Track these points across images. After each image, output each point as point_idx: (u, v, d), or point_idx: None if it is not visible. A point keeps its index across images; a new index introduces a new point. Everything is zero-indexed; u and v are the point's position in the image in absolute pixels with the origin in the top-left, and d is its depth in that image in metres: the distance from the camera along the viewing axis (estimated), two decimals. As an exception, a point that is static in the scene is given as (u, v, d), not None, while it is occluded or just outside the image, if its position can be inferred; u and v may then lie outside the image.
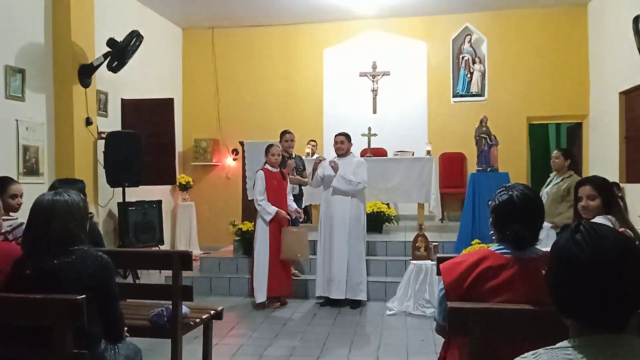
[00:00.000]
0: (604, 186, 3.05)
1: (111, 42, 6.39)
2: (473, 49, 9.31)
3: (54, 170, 6.21)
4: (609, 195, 3.04)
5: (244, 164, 7.20)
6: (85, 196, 2.79)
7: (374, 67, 9.50)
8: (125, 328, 2.52)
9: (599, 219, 2.86)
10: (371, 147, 8.18)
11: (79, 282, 2.23)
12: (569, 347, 1.20)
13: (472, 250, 2.12)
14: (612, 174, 7.75)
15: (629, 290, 1.18)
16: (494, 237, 2.06)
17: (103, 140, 6.88)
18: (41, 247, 2.29)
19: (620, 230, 2.76)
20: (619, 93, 7.77)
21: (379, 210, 7.44)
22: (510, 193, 2.00)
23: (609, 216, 2.93)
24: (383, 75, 9.49)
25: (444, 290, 1.99)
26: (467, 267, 1.95)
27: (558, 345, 1.22)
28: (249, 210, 6.57)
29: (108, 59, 6.45)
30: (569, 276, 1.23)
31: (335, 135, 6.14)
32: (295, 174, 6.47)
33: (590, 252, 1.21)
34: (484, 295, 1.89)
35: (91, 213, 3.27)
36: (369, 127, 8.24)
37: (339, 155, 6.05)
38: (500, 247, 1.98)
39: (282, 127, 6.80)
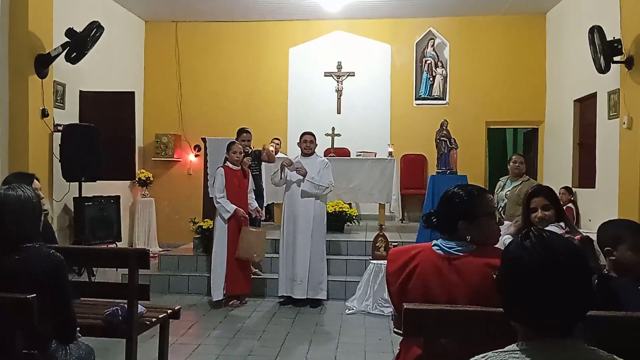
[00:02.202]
0: (554, 195, 3.16)
1: (70, 32, 6.22)
2: (436, 53, 9.47)
3: (7, 163, 5.98)
4: (559, 204, 3.16)
5: (205, 161, 7.12)
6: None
7: (339, 67, 9.56)
8: (78, 328, 2.46)
9: (551, 227, 2.95)
10: (334, 147, 8.23)
11: (29, 281, 2.16)
12: (517, 350, 1.24)
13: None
14: (566, 179, 8.04)
15: (575, 296, 1.22)
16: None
17: (59, 133, 6.68)
18: None
19: (569, 237, 2.85)
20: (574, 101, 8.05)
21: (340, 209, 7.49)
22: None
23: (561, 223, 3.03)
24: (348, 75, 9.57)
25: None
26: (405, 260, 1.98)
27: (506, 348, 1.26)
28: (210, 208, 6.49)
29: (67, 50, 6.27)
30: (518, 281, 1.26)
31: (304, 134, 6.12)
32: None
33: (538, 258, 1.24)
34: (413, 291, 1.93)
35: (46, 210, 3.17)
36: (333, 127, 8.29)
37: (305, 154, 6.04)
38: (439, 242, 2.00)
39: (246, 124, 6.76)
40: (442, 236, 2.03)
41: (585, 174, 7.67)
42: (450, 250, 1.95)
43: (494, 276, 1.36)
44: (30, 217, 2.29)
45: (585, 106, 7.82)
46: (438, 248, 1.98)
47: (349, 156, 8.50)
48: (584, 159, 7.81)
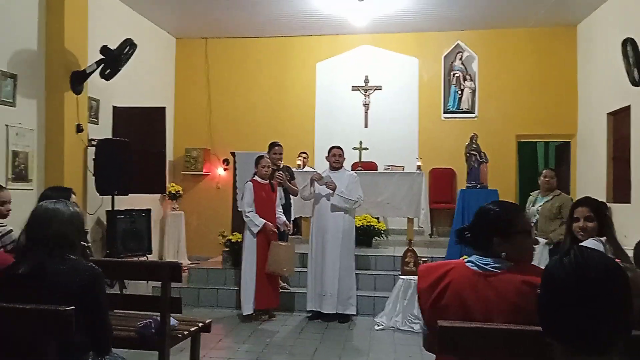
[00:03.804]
0: (599, 208, 3.09)
1: (104, 50, 6.39)
2: (464, 66, 9.41)
3: (43, 176, 6.16)
4: (603, 217, 3.08)
5: (234, 175, 7.19)
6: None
7: (366, 81, 9.58)
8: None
9: (590, 242, 2.88)
10: (362, 160, 8.23)
11: (70, 291, 2.21)
12: (555, 370, 1.22)
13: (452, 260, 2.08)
14: (599, 193, 7.85)
15: (613, 314, 1.20)
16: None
17: (93, 148, 6.84)
18: (38, 248, 2.28)
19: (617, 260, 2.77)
20: (607, 114, 7.88)
21: (368, 224, 7.45)
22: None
23: (602, 238, 2.95)
24: (375, 89, 9.58)
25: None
26: (438, 276, 1.94)
27: (544, 367, 1.24)
28: (239, 221, 6.54)
29: (101, 67, 6.44)
30: (556, 299, 1.25)
31: (334, 147, 6.12)
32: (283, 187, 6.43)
33: (576, 275, 1.23)
34: (447, 308, 1.89)
35: (86, 230, 3.26)
36: (360, 141, 8.30)
37: (334, 168, 6.05)
38: (473, 259, 1.97)
39: (274, 139, 6.80)
40: (475, 252, 2.00)
41: (620, 188, 7.49)
42: (486, 267, 1.91)
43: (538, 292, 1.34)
44: (77, 231, 2.39)
45: (619, 119, 7.65)
46: (472, 264, 1.94)
47: (377, 170, 8.47)
48: (619, 173, 7.63)
